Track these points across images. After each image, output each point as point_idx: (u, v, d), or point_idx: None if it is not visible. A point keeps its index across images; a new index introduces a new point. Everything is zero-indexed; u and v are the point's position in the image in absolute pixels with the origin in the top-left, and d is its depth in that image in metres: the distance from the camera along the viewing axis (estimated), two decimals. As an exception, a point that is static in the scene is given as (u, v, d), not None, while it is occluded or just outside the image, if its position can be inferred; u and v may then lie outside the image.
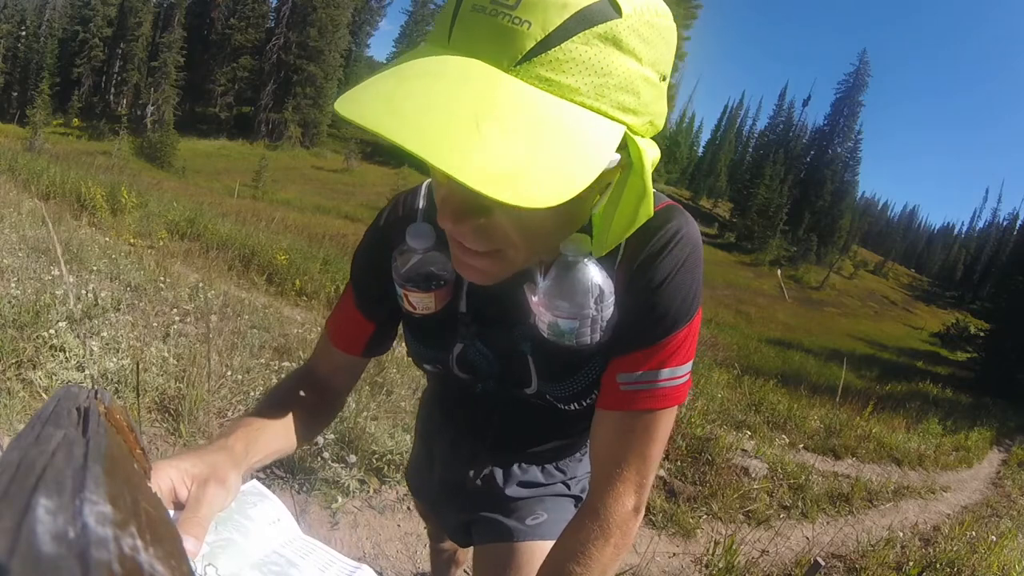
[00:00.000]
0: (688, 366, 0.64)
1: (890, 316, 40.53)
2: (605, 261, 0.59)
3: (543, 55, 0.40)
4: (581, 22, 0.41)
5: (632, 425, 0.64)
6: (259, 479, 0.66)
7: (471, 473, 0.93)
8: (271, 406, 0.71)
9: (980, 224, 79.79)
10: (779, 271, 38.30)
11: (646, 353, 0.62)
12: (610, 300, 0.59)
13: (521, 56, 0.40)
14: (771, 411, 5.80)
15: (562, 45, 0.40)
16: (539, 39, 0.40)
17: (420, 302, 0.67)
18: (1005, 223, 67.47)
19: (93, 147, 28.31)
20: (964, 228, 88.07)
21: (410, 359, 0.82)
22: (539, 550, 0.88)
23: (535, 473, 0.94)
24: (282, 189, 30.74)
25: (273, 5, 42.08)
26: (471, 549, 1.03)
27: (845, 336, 27.86)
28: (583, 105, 0.42)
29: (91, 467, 0.23)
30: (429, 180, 0.72)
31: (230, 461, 0.54)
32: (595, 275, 0.58)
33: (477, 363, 0.74)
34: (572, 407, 0.71)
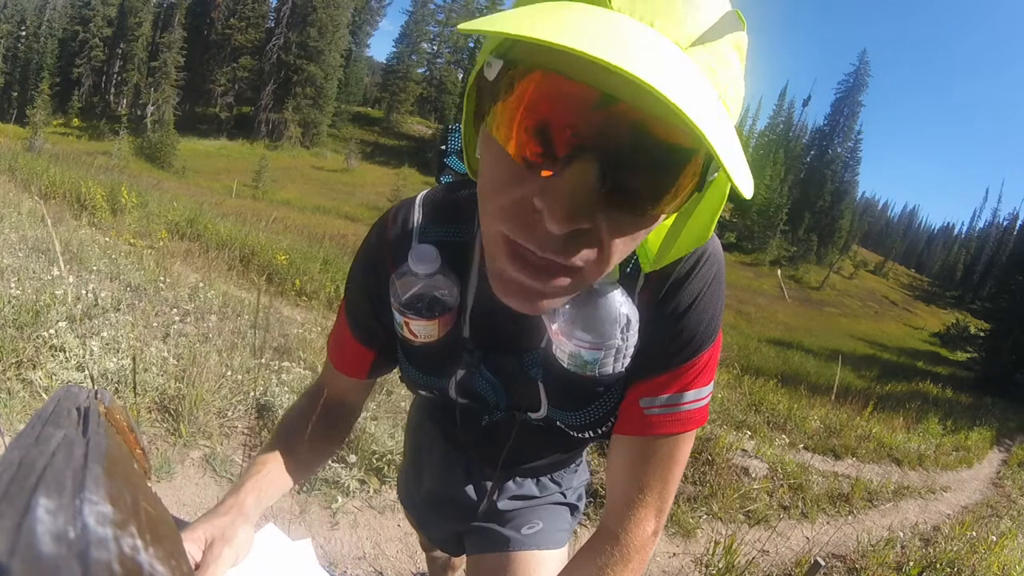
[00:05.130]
0: (710, 387, 0.62)
1: (890, 316, 40.51)
2: (626, 286, 0.57)
3: (708, 44, 0.38)
4: (730, 23, 0.39)
5: (655, 450, 0.62)
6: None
7: (464, 488, 0.92)
8: (285, 442, 0.71)
9: (980, 224, 79.97)
10: (779, 271, 38.25)
11: (670, 376, 0.60)
12: (636, 328, 0.56)
13: (692, 41, 0.37)
14: (771, 411, 5.79)
15: (719, 40, 0.39)
16: (706, 28, 0.38)
17: (422, 330, 0.62)
18: (1005, 223, 67.58)
19: (93, 147, 28.32)
20: (964, 228, 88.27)
21: (401, 382, 0.79)
22: (535, 560, 0.88)
23: (530, 486, 0.93)
24: (282, 189, 30.77)
25: (273, 5, 42.12)
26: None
27: (845, 336, 27.85)
28: (724, 106, 0.39)
29: (91, 467, 0.23)
30: (425, 192, 0.68)
31: (240, 519, 0.58)
32: (622, 303, 0.54)
33: (482, 390, 0.70)
34: (587, 435, 0.68)
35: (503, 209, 0.43)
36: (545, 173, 0.39)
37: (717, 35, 0.38)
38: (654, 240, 0.55)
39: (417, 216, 0.65)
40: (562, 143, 0.38)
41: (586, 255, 0.43)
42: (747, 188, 0.34)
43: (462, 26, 0.35)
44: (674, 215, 0.50)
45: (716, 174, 0.43)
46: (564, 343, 0.56)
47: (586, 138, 0.38)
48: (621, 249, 0.44)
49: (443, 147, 0.71)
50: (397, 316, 0.63)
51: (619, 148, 0.38)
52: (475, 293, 0.63)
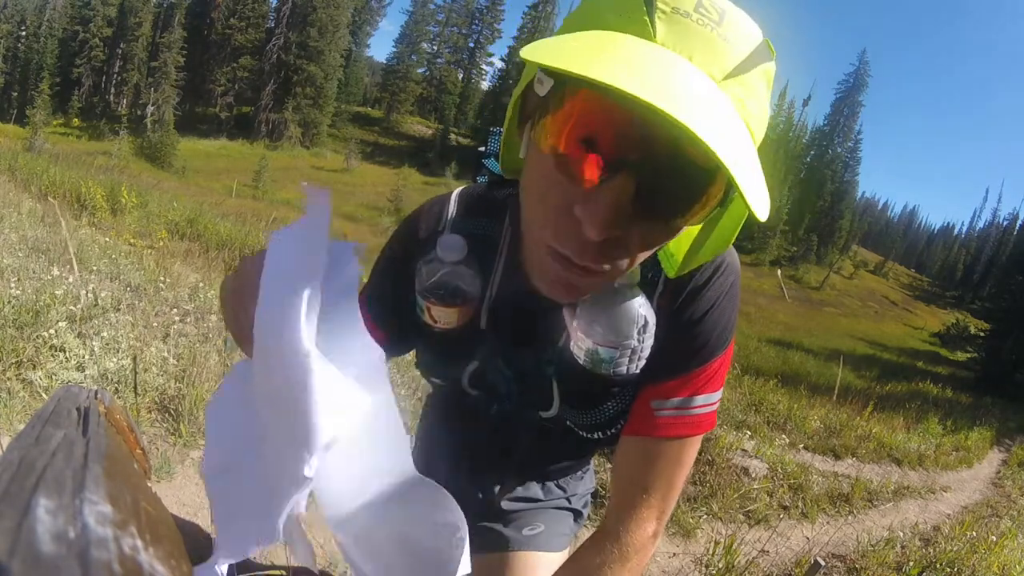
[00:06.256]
0: (720, 392, 0.64)
1: (890, 316, 40.50)
2: (646, 291, 0.58)
3: (739, 77, 0.42)
4: (761, 55, 0.43)
5: (662, 452, 0.63)
6: None
7: (468, 487, 0.91)
8: None
9: (980, 224, 79.88)
10: (779, 271, 38.28)
11: (682, 380, 0.61)
12: (652, 331, 0.58)
13: (726, 74, 0.41)
14: (771, 411, 5.79)
15: (750, 72, 0.42)
16: (739, 61, 0.42)
17: (442, 316, 0.64)
18: (1005, 223, 67.49)
19: (93, 147, 28.33)
20: (964, 228, 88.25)
21: (416, 368, 0.80)
22: (535, 561, 0.88)
23: (534, 489, 0.93)
24: (282, 189, 30.77)
25: (273, 5, 42.10)
26: None
27: (845, 336, 27.83)
28: (750, 133, 0.43)
29: (91, 467, 0.23)
30: (461, 188, 0.71)
31: None
32: (641, 305, 0.56)
33: (495, 382, 0.71)
34: (596, 435, 0.69)
35: (546, 216, 0.47)
36: (587, 185, 0.43)
37: (748, 67, 0.42)
38: (676, 248, 0.58)
39: (451, 209, 0.69)
40: (604, 158, 0.42)
41: (617, 260, 0.48)
42: (763, 212, 0.38)
43: (525, 54, 0.39)
44: (699, 225, 0.54)
45: (735, 193, 0.46)
46: (583, 340, 0.58)
47: (625, 155, 0.41)
48: (646, 254, 0.49)
49: (482, 149, 0.74)
50: (420, 300, 0.65)
51: (654, 165, 0.41)
52: (498, 287, 0.65)
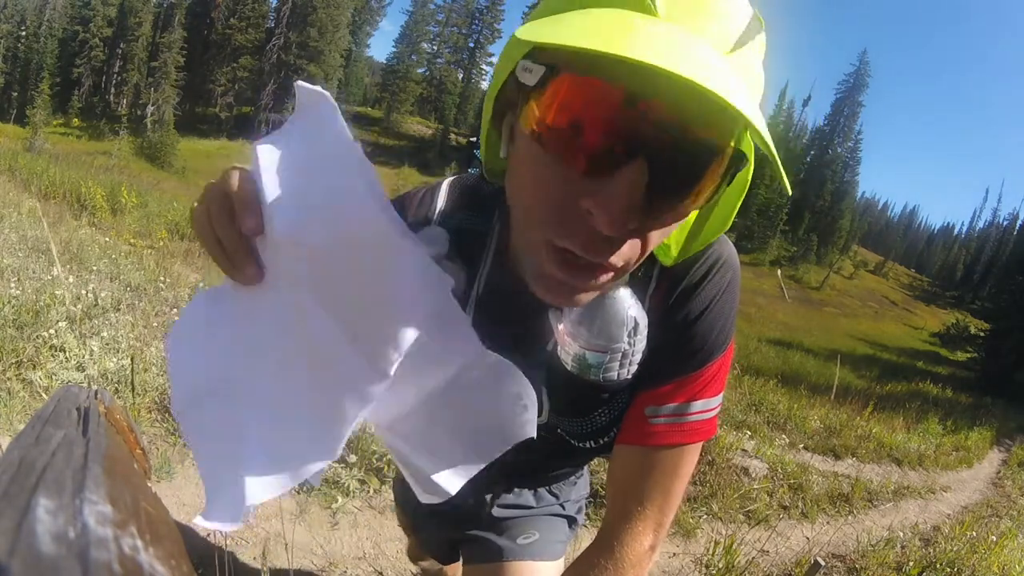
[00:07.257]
0: (719, 398, 0.61)
1: (890, 316, 40.49)
2: (637, 290, 0.55)
3: (741, 49, 0.40)
4: (755, 28, 0.41)
5: (658, 461, 0.60)
6: None
7: (462, 494, 0.90)
8: None
9: (980, 224, 79.84)
10: (779, 271, 38.30)
11: (678, 385, 0.58)
12: (644, 333, 0.55)
13: (731, 47, 0.39)
14: (771, 411, 5.79)
15: (749, 43, 0.40)
16: (740, 33, 0.40)
17: None
18: (1005, 223, 67.53)
19: (93, 147, 28.34)
20: (964, 228, 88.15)
21: None
22: (531, 570, 0.86)
23: (527, 496, 0.91)
24: (282, 189, 30.74)
25: (273, 5, 42.09)
26: (458, 564, 1.00)
27: (845, 336, 27.83)
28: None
29: (91, 467, 0.23)
30: (452, 178, 0.68)
31: None
32: (630, 306, 0.53)
33: None
34: (588, 444, 0.65)
35: (545, 214, 0.43)
36: (596, 175, 0.39)
37: (746, 40, 0.40)
38: (671, 237, 0.55)
39: (440, 200, 0.65)
40: (613, 146, 0.38)
41: (628, 253, 0.43)
42: (787, 185, 0.38)
43: (522, 34, 0.35)
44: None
45: (742, 167, 0.44)
46: (569, 344, 0.55)
47: (635, 141, 0.38)
48: (656, 242, 0.45)
49: (474, 139, 0.71)
50: None
51: (665, 149, 0.38)
52: (484, 284, 0.62)
